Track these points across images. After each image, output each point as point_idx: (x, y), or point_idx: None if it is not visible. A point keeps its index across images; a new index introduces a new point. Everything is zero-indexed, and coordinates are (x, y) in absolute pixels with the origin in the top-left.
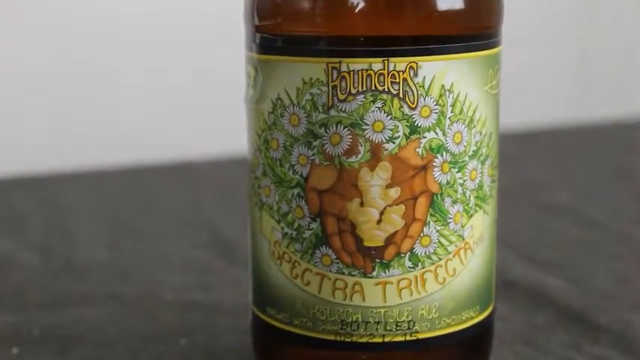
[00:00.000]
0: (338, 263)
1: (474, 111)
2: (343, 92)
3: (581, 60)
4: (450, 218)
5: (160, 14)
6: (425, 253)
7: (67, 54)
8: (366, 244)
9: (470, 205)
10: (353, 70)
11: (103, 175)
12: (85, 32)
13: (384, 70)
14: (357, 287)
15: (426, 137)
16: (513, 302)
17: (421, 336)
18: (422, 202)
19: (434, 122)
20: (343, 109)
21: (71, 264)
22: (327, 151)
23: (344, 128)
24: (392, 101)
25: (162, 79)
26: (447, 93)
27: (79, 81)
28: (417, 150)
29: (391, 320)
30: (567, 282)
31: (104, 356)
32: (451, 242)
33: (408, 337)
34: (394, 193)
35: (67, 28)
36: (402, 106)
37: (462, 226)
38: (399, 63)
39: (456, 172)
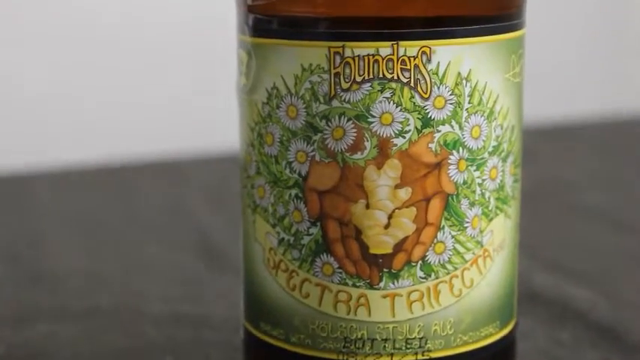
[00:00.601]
0: (341, 273)
1: (495, 102)
2: (347, 80)
3: (612, 45)
4: (467, 222)
5: (140, 5)
6: (439, 261)
7: (42, 46)
8: (373, 251)
9: (490, 208)
10: (358, 56)
11: (77, 173)
12: (59, 25)
13: (393, 55)
14: (362, 300)
15: (440, 131)
16: (537, 316)
17: (434, 355)
18: (435, 204)
19: (449, 114)
20: (347, 100)
21: (41, 273)
22: (329, 146)
23: (348, 121)
24: (402, 91)
25: (144, 69)
26: (464, 81)
27: (54, 71)
28: (430, 145)
29: (400, 337)
30: (597, 294)
31: None
32: (468, 249)
33: (420, 357)
34: (404, 194)
35: (41, 22)
36: (413, 96)
37: (481, 232)
38: (410, 47)
39: (474, 171)
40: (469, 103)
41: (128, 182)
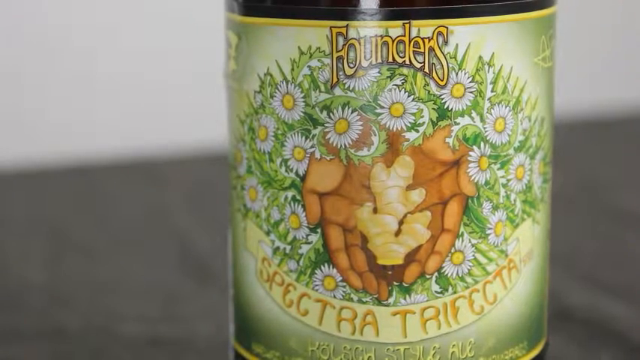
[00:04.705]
0: (344, 287)
1: (522, 90)
2: (351, 65)
3: None
4: (490, 229)
5: None
6: (457, 273)
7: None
8: (381, 262)
9: (515, 212)
10: (364, 37)
11: (40, 172)
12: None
13: (404, 36)
14: (368, 318)
15: (458, 124)
16: (571, 337)
17: None
18: (453, 207)
19: (469, 104)
20: (351, 88)
21: None
22: (331, 141)
23: (352, 112)
24: (415, 77)
25: (119, 56)
26: (487, 66)
27: (13, 57)
28: (447, 140)
29: None
30: (639, 311)
31: None
32: (491, 260)
33: None
34: (417, 196)
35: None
36: (427, 84)
37: (505, 240)
38: (425, 27)
39: (498, 169)
40: (492, 91)
41: (97, 184)
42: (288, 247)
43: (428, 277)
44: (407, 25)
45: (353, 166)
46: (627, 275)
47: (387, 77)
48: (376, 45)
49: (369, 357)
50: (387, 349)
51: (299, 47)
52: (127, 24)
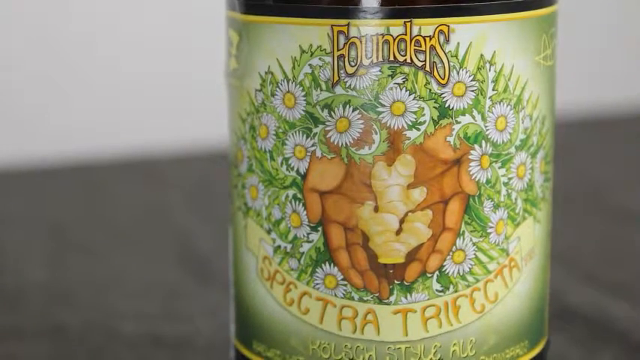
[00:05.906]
0: (345, 285)
1: (523, 88)
2: (352, 64)
3: None
4: (491, 227)
5: None
6: (458, 272)
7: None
8: (382, 260)
9: (516, 211)
10: (365, 36)
11: (40, 172)
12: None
13: (405, 35)
14: (369, 317)
15: (459, 122)
16: (572, 336)
17: None
18: (454, 206)
19: (470, 103)
20: (352, 86)
21: None
22: (332, 140)
23: (353, 111)
24: (416, 76)
25: (119, 56)
26: (488, 65)
27: (14, 56)
28: (449, 139)
29: (414, 359)
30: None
31: None
32: (492, 258)
33: None
34: (418, 194)
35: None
36: (428, 82)
37: (507, 238)
38: (426, 26)
39: (499, 168)
40: (493, 90)
41: (97, 183)
42: (289, 246)
43: (429, 275)
44: (408, 24)
45: (354, 164)
46: (629, 274)
47: (388, 76)
48: (377, 43)
49: (370, 356)
50: (388, 347)
51: (300, 46)
52: (128, 23)
